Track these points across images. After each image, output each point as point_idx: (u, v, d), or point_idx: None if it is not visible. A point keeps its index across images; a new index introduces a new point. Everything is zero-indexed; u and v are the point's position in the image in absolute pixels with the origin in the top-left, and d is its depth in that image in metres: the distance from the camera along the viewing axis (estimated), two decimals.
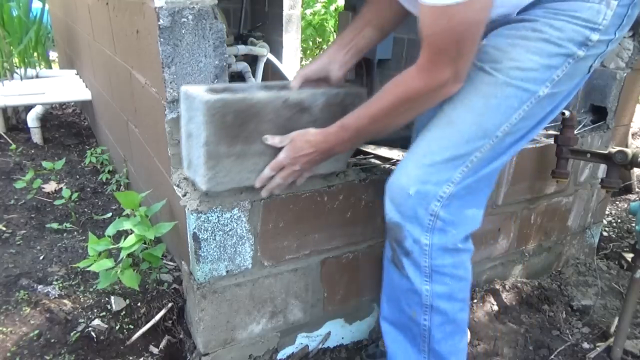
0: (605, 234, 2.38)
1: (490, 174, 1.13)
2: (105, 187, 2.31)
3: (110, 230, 1.37)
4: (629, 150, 1.47)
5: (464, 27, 0.89)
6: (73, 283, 1.53)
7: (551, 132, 1.79)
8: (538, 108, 1.06)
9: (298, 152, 1.12)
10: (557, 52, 1.01)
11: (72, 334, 1.35)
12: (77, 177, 2.45)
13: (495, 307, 1.76)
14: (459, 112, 1.06)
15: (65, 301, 1.45)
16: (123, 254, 1.29)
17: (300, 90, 1.19)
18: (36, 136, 2.90)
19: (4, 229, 1.87)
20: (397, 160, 1.49)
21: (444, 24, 0.88)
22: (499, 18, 1.07)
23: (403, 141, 2.73)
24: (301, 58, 6.00)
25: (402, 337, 1.25)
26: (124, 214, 1.93)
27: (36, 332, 1.34)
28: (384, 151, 1.62)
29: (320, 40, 6.98)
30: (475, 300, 1.83)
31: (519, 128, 1.07)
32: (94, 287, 1.50)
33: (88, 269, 1.30)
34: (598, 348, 1.62)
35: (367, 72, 3.24)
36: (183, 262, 1.35)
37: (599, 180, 1.83)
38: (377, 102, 1.04)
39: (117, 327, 1.39)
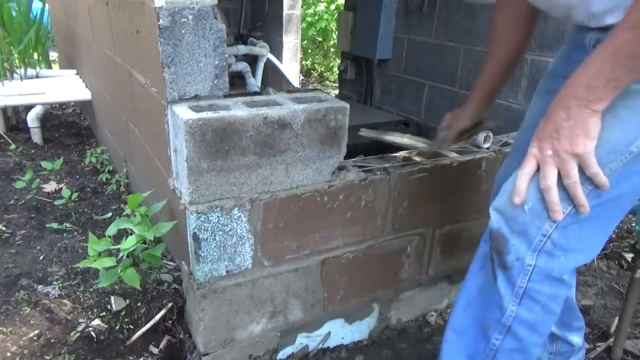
0: None
1: (621, 197, 0.96)
2: (105, 187, 2.31)
3: (111, 230, 1.37)
4: None
5: None
6: (73, 283, 1.53)
7: None
8: None
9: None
10: None
11: (72, 334, 1.35)
12: (77, 177, 2.45)
13: None
14: None
15: (65, 301, 1.45)
16: (123, 254, 1.29)
17: (280, 107, 1.20)
18: (36, 136, 2.90)
19: (4, 229, 1.87)
20: (408, 153, 1.49)
21: None
22: None
23: (415, 127, 2.73)
24: (301, 58, 6.01)
25: (462, 348, 1.16)
26: (124, 214, 1.93)
27: (36, 332, 1.34)
28: (396, 136, 1.67)
29: (320, 40, 6.99)
30: None
31: None
32: (94, 287, 1.50)
33: (89, 266, 1.30)
34: (598, 348, 1.62)
35: (367, 72, 3.24)
36: (183, 262, 1.35)
37: None
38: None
39: (117, 327, 1.39)
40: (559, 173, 0.90)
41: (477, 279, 1.11)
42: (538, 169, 0.92)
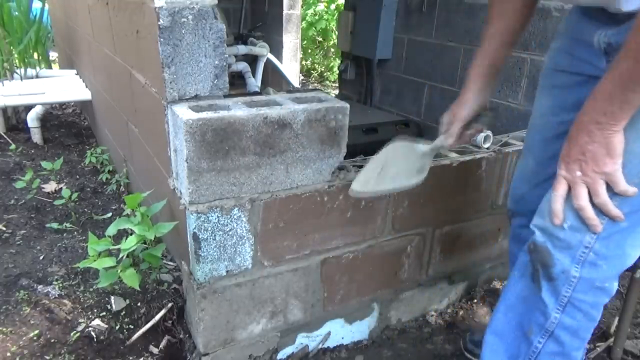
0: None
1: None
2: (105, 187, 2.31)
3: (111, 230, 1.37)
4: None
5: None
6: (73, 283, 1.53)
7: None
8: None
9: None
10: None
11: (72, 334, 1.35)
12: (77, 177, 2.45)
13: None
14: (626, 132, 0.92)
15: (65, 301, 1.45)
16: (123, 254, 1.29)
17: (280, 107, 1.20)
18: (36, 136, 2.90)
19: (4, 229, 1.87)
20: None
21: None
22: None
23: (415, 127, 2.73)
24: (301, 58, 6.01)
25: (502, 350, 1.19)
26: (124, 214, 1.93)
27: (36, 332, 1.34)
28: (395, 183, 1.55)
29: (320, 40, 6.99)
30: (475, 300, 1.83)
31: None
32: (94, 287, 1.50)
33: (89, 266, 1.30)
34: (598, 348, 1.62)
35: (367, 72, 3.24)
36: (183, 262, 1.35)
37: None
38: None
39: (117, 327, 1.39)
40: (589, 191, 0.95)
41: (517, 286, 1.15)
42: (569, 188, 0.97)
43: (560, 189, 0.98)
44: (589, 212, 0.95)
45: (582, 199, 0.95)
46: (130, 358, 1.35)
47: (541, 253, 1.06)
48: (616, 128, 0.90)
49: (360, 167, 1.41)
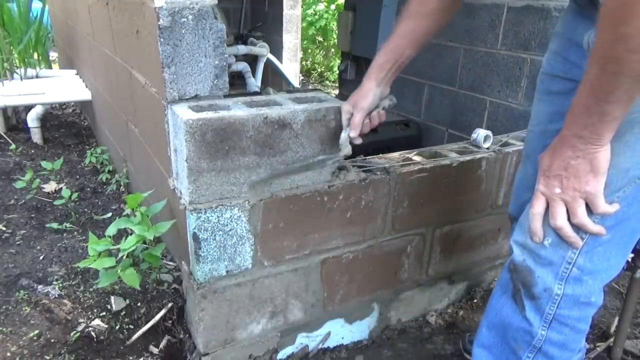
0: None
1: None
2: (105, 187, 2.31)
3: (111, 230, 1.37)
4: None
5: None
6: (73, 283, 1.54)
7: None
8: None
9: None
10: None
11: (72, 334, 1.35)
12: (77, 177, 2.45)
13: None
14: None
15: (65, 301, 1.45)
16: (123, 254, 1.29)
17: (280, 107, 1.20)
18: (36, 136, 2.90)
19: (4, 229, 1.87)
20: (408, 153, 1.49)
21: None
22: None
23: (406, 140, 2.73)
24: (301, 58, 6.01)
25: None
26: (124, 214, 1.93)
27: (36, 332, 1.34)
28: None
29: (321, 39, 6.99)
30: (475, 300, 1.83)
31: None
32: (94, 287, 1.50)
33: (89, 267, 1.30)
34: (598, 348, 1.62)
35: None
36: (183, 262, 1.35)
37: None
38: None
39: (117, 327, 1.39)
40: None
41: (499, 303, 1.13)
42: (548, 205, 0.92)
43: (538, 206, 0.93)
44: (568, 231, 0.91)
45: (559, 219, 0.90)
46: (130, 358, 1.35)
47: (521, 273, 1.03)
48: (601, 142, 0.83)
49: (361, 167, 1.41)
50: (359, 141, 1.22)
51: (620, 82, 0.74)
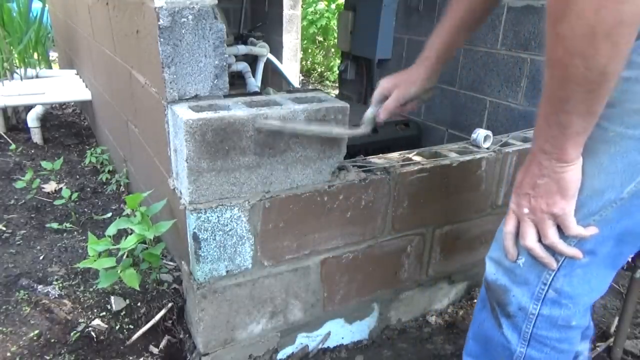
0: None
1: (624, 235, 0.88)
2: (105, 187, 2.31)
3: (111, 230, 1.37)
4: None
5: None
6: (73, 283, 1.54)
7: None
8: None
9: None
10: None
11: (72, 334, 1.35)
12: (77, 177, 2.45)
13: None
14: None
15: (65, 301, 1.45)
16: (123, 253, 1.29)
17: (280, 107, 1.20)
18: (36, 136, 2.90)
19: (4, 229, 1.87)
20: (408, 153, 1.49)
21: None
22: None
23: (406, 140, 2.74)
24: (301, 58, 6.01)
25: None
26: (124, 214, 1.93)
27: (36, 332, 1.34)
28: (301, 125, 1.51)
29: (321, 39, 6.98)
30: (475, 300, 1.83)
31: None
32: (94, 287, 1.50)
33: (89, 266, 1.30)
34: (598, 348, 1.62)
35: (367, 72, 3.24)
36: (183, 262, 1.35)
37: None
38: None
39: (117, 327, 1.39)
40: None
41: (481, 316, 1.10)
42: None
43: (509, 224, 0.89)
44: (540, 252, 0.86)
45: (528, 240, 0.86)
46: (130, 358, 1.36)
47: (495, 292, 0.99)
48: (565, 158, 0.76)
49: (361, 167, 1.41)
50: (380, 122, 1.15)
51: (572, 90, 0.69)
